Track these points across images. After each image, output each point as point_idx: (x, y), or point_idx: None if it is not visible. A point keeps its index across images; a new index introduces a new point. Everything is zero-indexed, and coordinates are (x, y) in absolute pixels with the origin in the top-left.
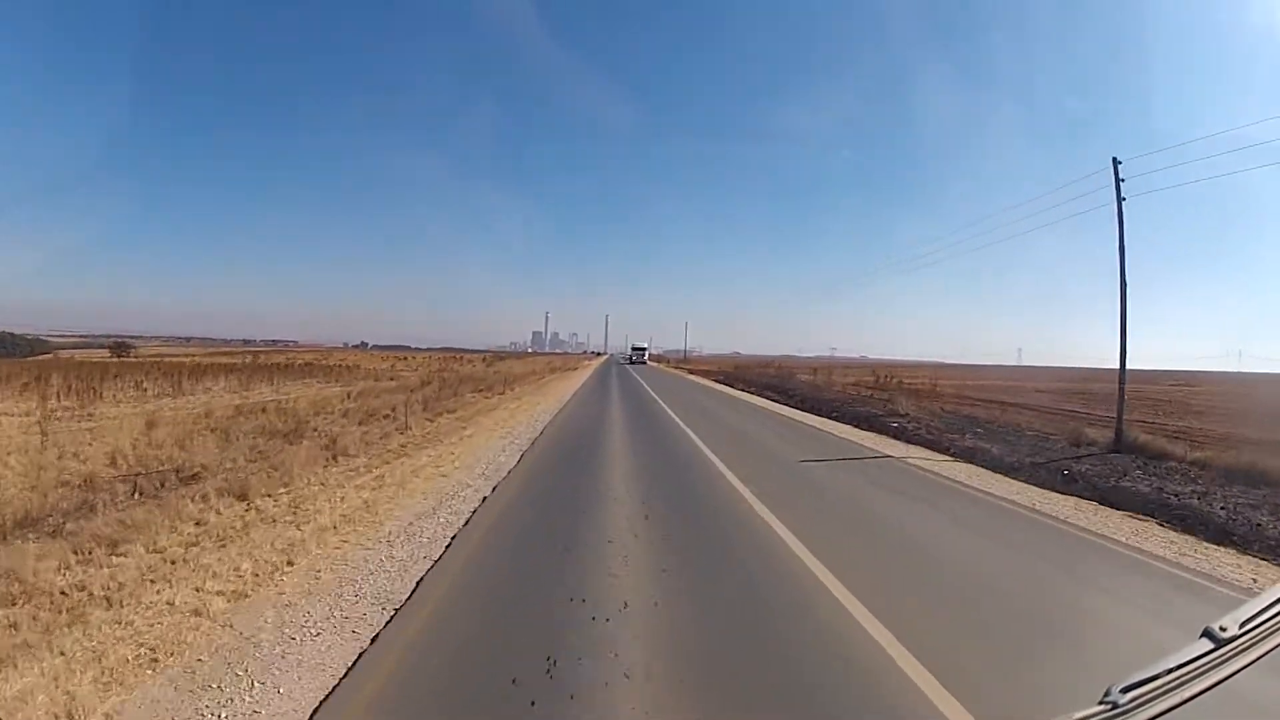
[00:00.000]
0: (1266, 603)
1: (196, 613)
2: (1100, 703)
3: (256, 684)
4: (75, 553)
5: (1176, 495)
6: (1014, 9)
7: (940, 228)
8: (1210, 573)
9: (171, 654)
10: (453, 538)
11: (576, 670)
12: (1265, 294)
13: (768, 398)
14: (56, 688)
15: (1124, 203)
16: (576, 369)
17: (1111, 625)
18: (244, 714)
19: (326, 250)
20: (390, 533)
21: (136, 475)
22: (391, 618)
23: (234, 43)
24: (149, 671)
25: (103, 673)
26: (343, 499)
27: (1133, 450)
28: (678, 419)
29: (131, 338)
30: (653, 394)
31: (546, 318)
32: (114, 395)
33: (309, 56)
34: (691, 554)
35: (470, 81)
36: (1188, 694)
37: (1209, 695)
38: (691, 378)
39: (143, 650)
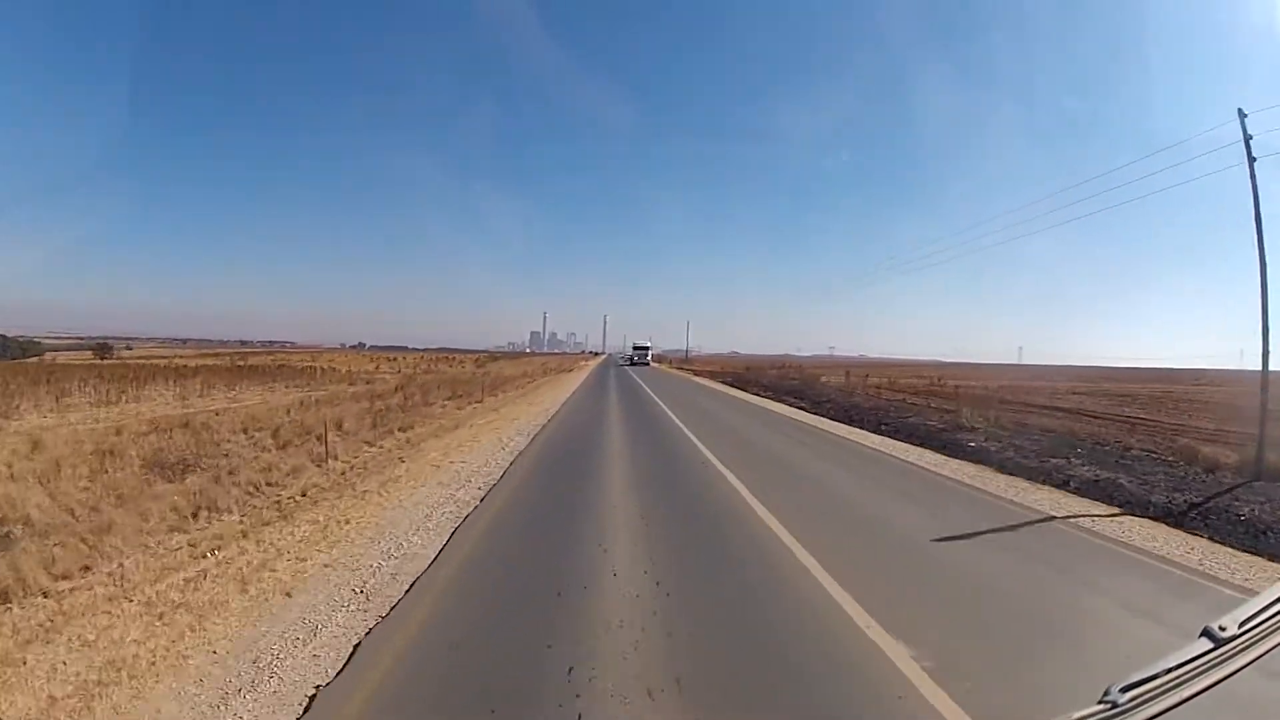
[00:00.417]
0: (1265, 603)
1: None
2: (1100, 702)
3: None
4: None
5: None
6: (1014, 9)
7: (940, 227)
8: None
9: None
10: None
11: None
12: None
13: (798, 407)
14: None
15: (1255, 164)
16: (571, 370)
17: None
18: None
19: (326, 251)
20: None
21: None
22: None
23: (233, 42)
24: None
25: None
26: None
27: (1277, 476)
28: (705, 448)
29: (129, 339)
30: (663, 405)
31: (544, 318)
32: (35, 405)
33: (308, 56)
34: None
35: (470, 81)
36: (1187, 693)
37: (1208, 694)
38: (698, 380)
39: None
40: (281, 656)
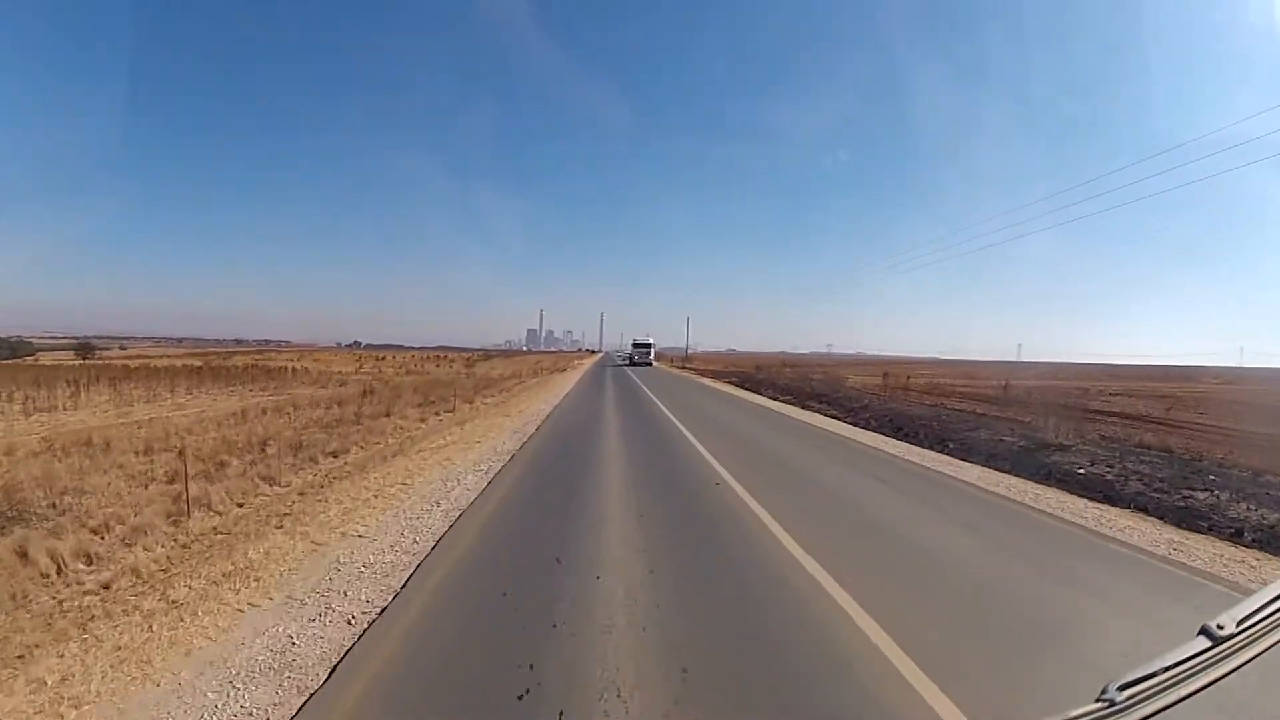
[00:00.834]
0: (1264, 600)
1: None
2: (1097, 700)
3: None
4: None
5: None
6: (1013, 9)
7: (937, 226)
8: None
9: None
10: None
11: None
12: (1266, 290)
13: (835, 418)
14: None
15: None
16: (566, 370)
17: None
18: None
19: (324, 250)
20: None
21: None
22: None
23: (232, 42)
24: None
25: None
26: None
27: None
28: (755, 503)
29: (127, 338)
30: (672, 417)
31: (540, 316)
32: None
33: (307, 56)
34: None
35: (469, 82)
36: (1184, 692)
37: (1206, 693)
38: (705, 382)
39: None
40: None
